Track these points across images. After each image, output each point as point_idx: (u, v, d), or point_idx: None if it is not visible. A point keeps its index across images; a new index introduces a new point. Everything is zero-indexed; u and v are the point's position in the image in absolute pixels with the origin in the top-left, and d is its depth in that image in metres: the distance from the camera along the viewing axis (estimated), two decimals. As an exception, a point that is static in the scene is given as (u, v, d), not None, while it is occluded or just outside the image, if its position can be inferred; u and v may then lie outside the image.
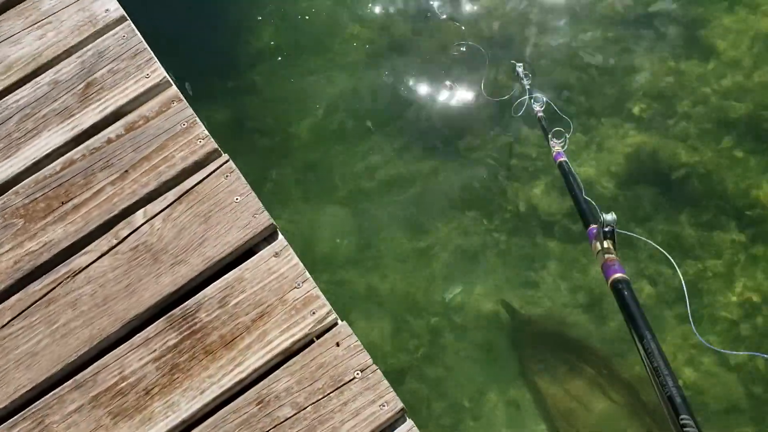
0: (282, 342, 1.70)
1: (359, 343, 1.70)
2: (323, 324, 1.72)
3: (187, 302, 1.76)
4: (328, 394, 1.66)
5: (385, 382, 1.66)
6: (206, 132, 1.93)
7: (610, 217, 1.40)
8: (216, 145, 1.90)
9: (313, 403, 1.65)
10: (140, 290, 1.77)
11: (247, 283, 1.77)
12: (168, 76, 2.00)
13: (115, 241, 1.83)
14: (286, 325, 1.72)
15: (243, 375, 1.68)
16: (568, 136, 2.19)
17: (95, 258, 1.82)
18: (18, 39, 2.14)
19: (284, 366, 1.69)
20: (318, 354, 1.69)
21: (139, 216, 1.85)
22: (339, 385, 1.66)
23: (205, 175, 1.87)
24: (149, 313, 1.77)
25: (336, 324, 1.73)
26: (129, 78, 2.00)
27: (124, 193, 1.87)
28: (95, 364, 1.73)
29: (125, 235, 1.83)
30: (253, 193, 1.84)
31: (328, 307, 1.73)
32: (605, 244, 1.42)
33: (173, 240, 1.81)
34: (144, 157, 1.91)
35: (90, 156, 1.93)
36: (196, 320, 1.74)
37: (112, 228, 1.85)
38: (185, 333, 1.73)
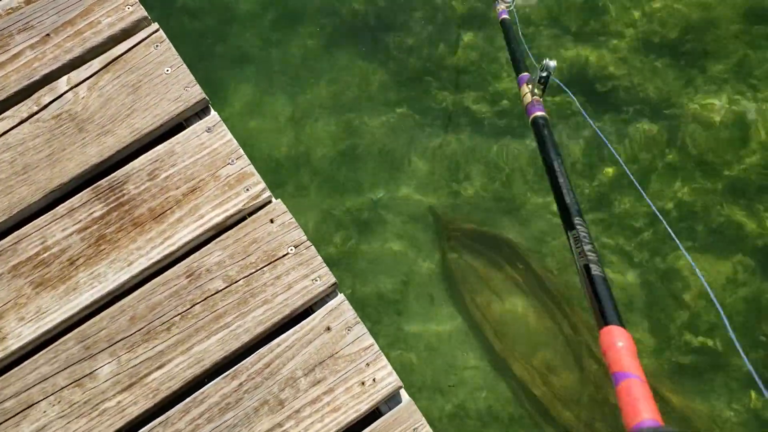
0: (214, 217, 1.68)
1: (293, 220, 1.69)
2: (257, 201, 1.70)
3: (114, 173, 1.70)
4: (261, 268, 1.66)
5: (319, 257, 1.67)
6: (135, -2, 1.82)
7: (552, 63, 1.49)
8: (145, 13, 1.81)
9: (246, 276, 1.65)
10: (64, 160, 1.70)
11: (177, 157, 1.72)
12: (93, -63, 1.86)
13: (36, 108, 1.73)
14: (219, 200, 1.69)
15: (173, 248, 1.65)
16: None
17: (14, 125, 1.72)
18: None
19: (216, 240, 1.67)
20: (252, 230, 1.68)
21: (62, 83, 1.75)
22: (272, 259, 1.66)
23: (133, 44, 1.78)
24: (74, 183, 1.70)
25: (270, 201, 1.71)
26: (49, -66, 1.85)
27: (46, 58, 1.76)
28: (15, 233, 1.66)
29: (47, 102, 1.74)
30: (185, 66, 1.77)
31: (263, 184, 1.71)
32: (536, 89, 1.51)
33: (99, 110, 1.73)
34: (67, 21, 1.79)
35: (6, 16, 1.80)
36: (123, 192, 1.69)
37: (32, 94, 1.74)
38: (112, 204, 1.68)
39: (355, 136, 3.31)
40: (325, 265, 1.66)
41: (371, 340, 1.62)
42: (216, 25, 3.48)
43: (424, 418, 1.60)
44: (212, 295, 1.63)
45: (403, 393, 1.63)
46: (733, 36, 3.35)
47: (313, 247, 1.67)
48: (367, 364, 1.61)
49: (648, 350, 2.79)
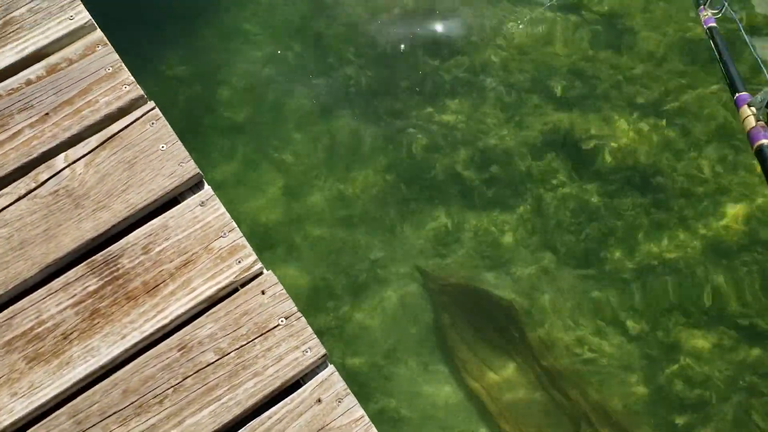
0: (206, 290, 1.71)
1: (284, 291, 1.73)
2: (249, 272, 1.73)
3: (109, 248, 1.74)
4: (252, 340, 1.68)
5: (309, 329, 1.70)
6: (132, 78, 1.89)
7: None
8: (142, 92, 1.88)
9: (237, 348, 1.67)
10: (60, 235, 1.74)
11: (171, 231, 1.76)
12: (92, 20, 1.94)
13: (33, 185, 1.78)
14: (211, 273, 1.73)
15: (165, 321, 1.68)
16: (726, 3, 2.13)
17: (11, 201, 1.77)
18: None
19: (208, 313, 1.70)
20: (243, 302, 1.71)
21: (59, 160, 1.80)
22: (263, 331, 1.69)
23: (130, 122, 1.84)
24: (69, 258, 1.73)
25: (261, 273, 1.75)
26: (51, 18, 1.93)
27: (44, 136, 1.82)
28: (10, 308, 1.69)
29: (44, 179, 1.79)
30: (180, 142, 1.83)
31: (254, 256, 1.75)
32: (761, 114, 1.40)
33: (96, 185, 1.78)
34: (66, 101, 1.86)
35: (7, 97, 1.86)
36: (118, 266, 1.72)
37: (30, 171, 1.80)
38: (107, 278, 1.71)
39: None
40: (315, 336, 1.69)
41: (361, 412, 1.64)
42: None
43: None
44: (204, 367, 1.65)
45: (394, 464, 1.64)
46: None
47: (303, 318, 1.70)
48: (358, 436, 1.62)
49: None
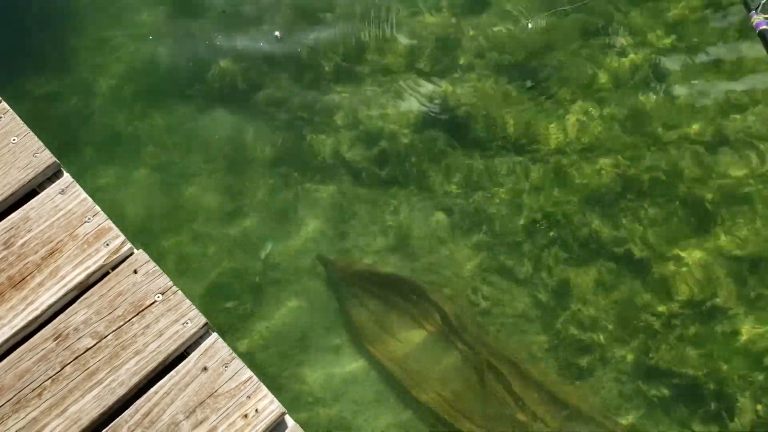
0: (76, 276, 1.68)
1: (157, 268, 1.71)
2: (119, 254, 1.71)
3: (-33, 248, 1.68)
4: (130, 319, 1.66)
5: (187, 301, 1.69)
6: (-26, 76, 1.83)
7: None
8: (-14, 88, 1.82)
9: (114, 330, 1.65)
10: None
11: (33, 222, 1.72)
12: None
13: None
14: (79, 259, 1.69)
15: (37, 313, 1.64)
16: None
17: None
18: None
19: (81, 299, 1.67)
20: (115, 283, 1.69)
21: None
22: (140, 309, 1.67)
23: (-24, 119, 1.79)
24: (-76, 263, 1.67)
25: (132, 253, 1.73)
26: None
27: None
28: None
29: None
30: (32, 133, 1.79)
31: (122, 237, 1.73)
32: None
33: (-55, 187, 1.72)
34: None
35: None
36: (-21, 265, 1.67)
37: None
38: (-32, 279, 1.65)
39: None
40: (194, 307, 1.68)
41: (249, 373, 1.64)
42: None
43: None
44: (82, 353, 1.62)
45: (288, 419, 1.65)
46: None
47: (180, 291, 1.69)
48: (248, 397, 1.62)
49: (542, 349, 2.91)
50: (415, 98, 3.55)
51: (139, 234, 3.14)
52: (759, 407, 2.76)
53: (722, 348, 2.88)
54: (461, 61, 3.59)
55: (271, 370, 3.05)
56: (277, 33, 3.67)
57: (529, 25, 3.59)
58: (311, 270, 3.23)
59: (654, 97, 3.42)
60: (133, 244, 1.74)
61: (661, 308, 2.93)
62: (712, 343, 2.88)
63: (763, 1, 2.24)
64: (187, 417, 1.59)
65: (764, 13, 2.29)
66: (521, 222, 3.23)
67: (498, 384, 2.90)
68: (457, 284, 3.16)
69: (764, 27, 2.27)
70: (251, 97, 3.54)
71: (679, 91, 3.42)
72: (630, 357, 2.84)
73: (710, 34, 3.56)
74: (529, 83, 3.50)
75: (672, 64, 3.48)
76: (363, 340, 3.12)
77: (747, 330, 2.89)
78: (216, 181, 3.36)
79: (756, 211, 3.13)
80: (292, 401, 2.97)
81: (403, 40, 3.67)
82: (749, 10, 2.33)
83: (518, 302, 3.03)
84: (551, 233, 3.18)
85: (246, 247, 3.24)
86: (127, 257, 1.72)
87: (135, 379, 1.61)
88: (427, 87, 3.55)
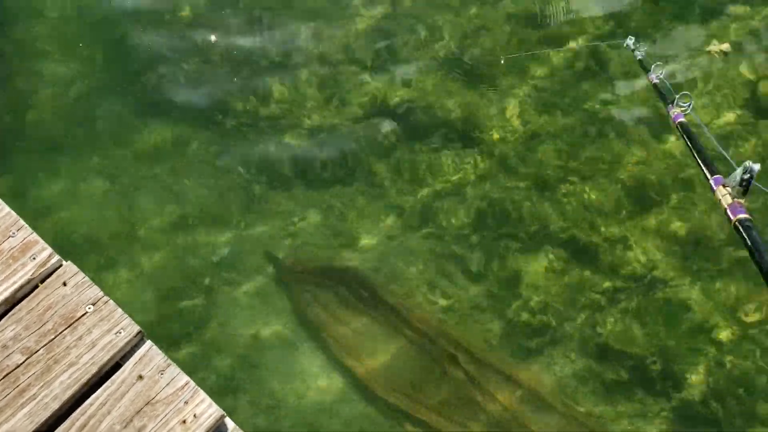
0: (2, 292, 1.64)
1: (87, 279, 1.69)
2: (46, 267, 1.68)
3: None
4: (61, 332, 1.63)
5: (119, 310, 1.66)
6: None
7: (756, 166, 1.44)
8: None
9: (46, 344, 1.62)
10: None
11: (-47, 241, 1.68)
12: None
13: None
14: (4, 275, 1.66)
15: (-38, 333, 1.60)
16: (693, 101, 2.24)
17: None
18: None
19: (8, 315, 1.64)
20: (44, 297, 1.66)
21: None
22: (71, 322, 1.64)
23: None
24: None
25: (61, 265, 1.70)
26: None
27: None
28: None
29: None
30: (-52, 150, 1.75)
31: (50, 250, 1.70)
32: (735, 192, 1.49)
33: None
34: None
35: None
36: None
37: None
38: None
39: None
40: (127, 316, 1.66)
41: (186, 378, 1.63)
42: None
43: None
44: (12, 370, 1.59)
45: (229, 421, 1.64)
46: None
47: (111, 301, 1.67)
48: (185, 402, 1.60)
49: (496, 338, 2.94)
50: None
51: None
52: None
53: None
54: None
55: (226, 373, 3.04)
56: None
57: None
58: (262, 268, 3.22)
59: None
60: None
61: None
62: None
63: (677, 96, 2.27)
64: (125, 426, 1.57)
65: (680, 105, 2.30)
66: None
67: (457, 370, 2.92)
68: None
69: (683, 120, 2.25)
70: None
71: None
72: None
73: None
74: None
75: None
76: (322, 336, 3.12)
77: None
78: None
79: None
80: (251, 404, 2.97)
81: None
82: (666, 105, 2.39)
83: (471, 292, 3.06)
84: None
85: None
86: (55, 269, 1.69)
87: (69, 393, 1.58)
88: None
